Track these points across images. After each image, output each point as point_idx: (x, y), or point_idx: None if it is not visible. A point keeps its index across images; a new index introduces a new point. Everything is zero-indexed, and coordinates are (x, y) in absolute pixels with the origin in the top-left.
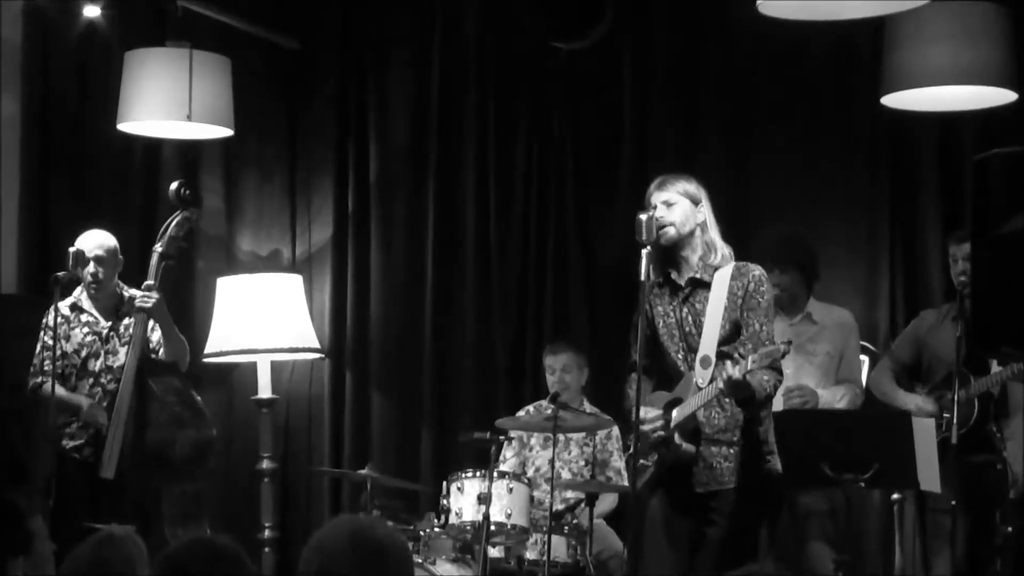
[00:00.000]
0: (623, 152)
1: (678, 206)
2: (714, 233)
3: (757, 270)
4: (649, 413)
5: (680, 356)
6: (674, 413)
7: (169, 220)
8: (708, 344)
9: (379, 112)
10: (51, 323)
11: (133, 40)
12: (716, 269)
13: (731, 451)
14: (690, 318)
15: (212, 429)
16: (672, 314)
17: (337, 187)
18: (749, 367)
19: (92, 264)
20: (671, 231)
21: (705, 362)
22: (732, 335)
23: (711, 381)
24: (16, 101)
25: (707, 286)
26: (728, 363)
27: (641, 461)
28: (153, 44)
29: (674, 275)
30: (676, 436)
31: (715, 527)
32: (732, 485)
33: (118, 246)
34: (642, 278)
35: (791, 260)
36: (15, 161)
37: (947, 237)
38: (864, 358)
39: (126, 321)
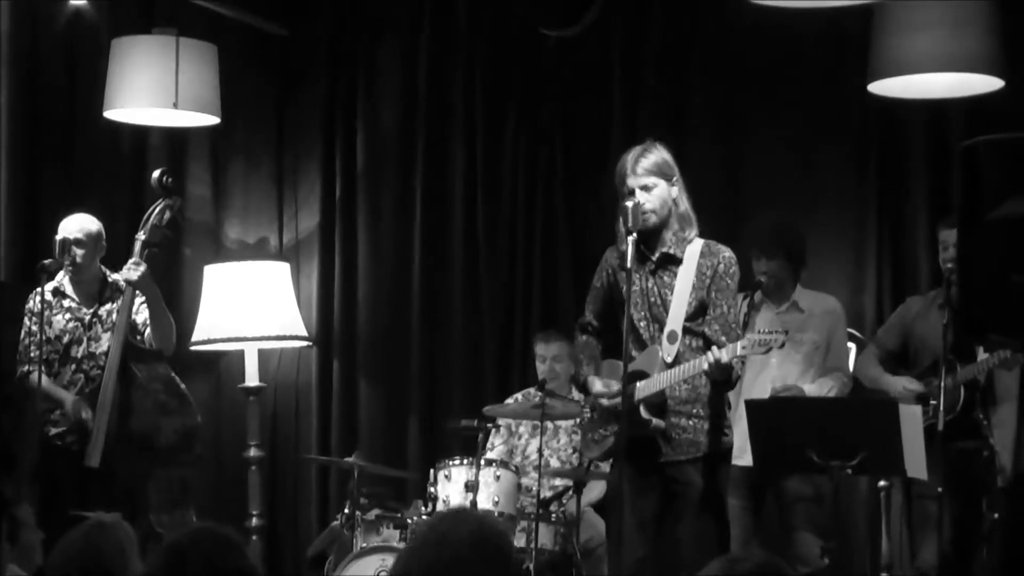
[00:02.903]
0: (612, 140)
1: (656, 190)
2: (685, 204)
3: (727, 252)
4: (611, 386)
5: (643, 324)
6: (639, 386)
7: (151, 208)
8: (675, 320)
9: (367, 99)
10: (33, 308)
11: (120, 27)
12: (689, 243)
13: (691, 423)
14: (656, 289)
15: (197, 416)
16: (638, 283)
17: (324, 175)
18: (739, 352)
19: (72, 247)
20: (652, 218)
21: (672, 337)
22: (697, 312)
23: (676, 357)
24: (3, 89)
25: (676, 261)
26: (714, 346)
27: (600, 431)
28: (140, 31)
29: (643, 247)
30: (641, 409)
31: (682, 498)
32: (695, 455)
33: (102, 231)
34: (628, 265)
35: (778, 247)
36: (3, 149)
37: (937, 223)
38: (851, 345)
39: (108, 306)
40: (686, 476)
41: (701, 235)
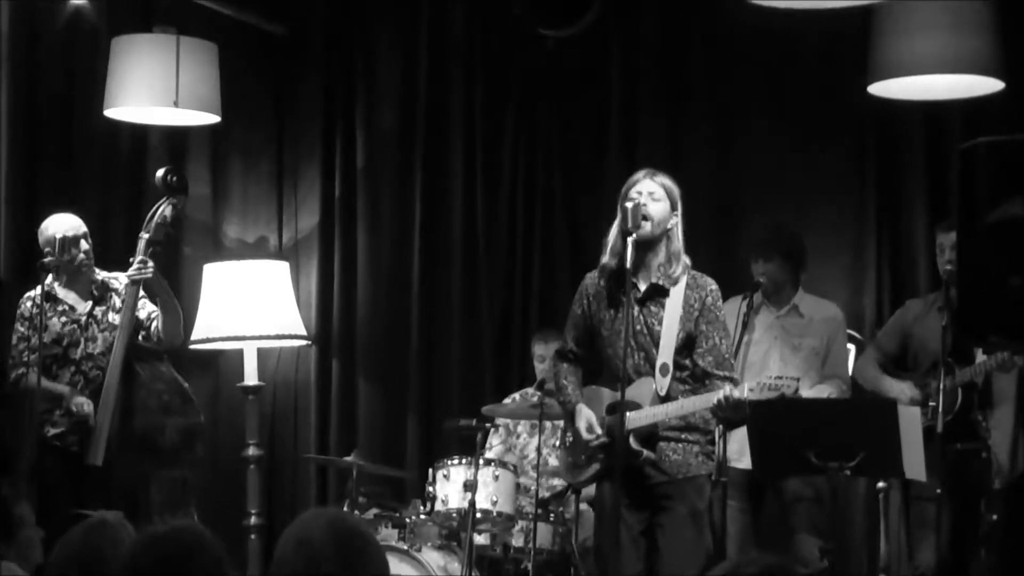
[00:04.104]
0: (610, 141)
1: (661, 204)
2: (679, 243)
3: (713, 284)
4: (595, 428)
5: (628, 351)
6: (630, 416)
7: (156, 206)
8: (666, 352)
9: (366, 99)
10: (25, 313)
11: (120, 26)
12: (675, 281)
13: (680, 446)
14: (642, 319)
15: (200, 415)
16: (624, 309)
17: (324, 174)
18: (746, 394)
19: (83, 242)
20: (648, 226)
21: (664, 370)
22: (684, 345)
23: (668, 390)
24: (3, 87)
25: (664, 292)
26: (728, 385)
27: (583, 455)
28: (140, 30)
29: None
30: (631, 440)
31: (667, 512)
32: (684, 475)
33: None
34: (628, 266)
35: (773, 249)
36: (2, 147)
37: (934, 226)
38: (850, 347)
39: (102, 306)
40: (672, 493)
41: (698, 240)
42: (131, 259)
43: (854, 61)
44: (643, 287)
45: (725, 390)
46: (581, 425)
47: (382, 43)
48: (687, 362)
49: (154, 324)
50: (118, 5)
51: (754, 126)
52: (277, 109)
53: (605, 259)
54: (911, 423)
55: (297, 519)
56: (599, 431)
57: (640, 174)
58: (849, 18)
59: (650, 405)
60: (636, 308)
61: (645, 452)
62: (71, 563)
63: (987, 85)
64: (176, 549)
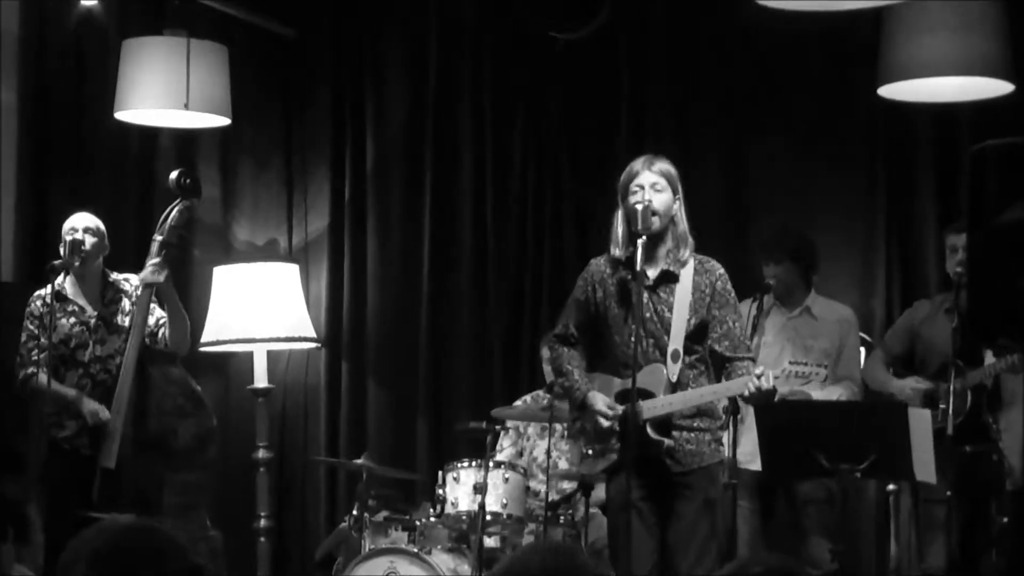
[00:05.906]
0: (619, 141)
1: (664, 194)
2: (684, 224)
3: (720, 268)
4: (615, 407)
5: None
6: (647, 405)
7: (169, 208)
8: (677, 338)
9: (376, 101)
10: (35, 311)
11: (130, 28)
12: (683, 263)
13: (693, 435)
14: (652, 305)
15: (212, 419)
16: (633, 297)
17: (333, 176)
18: (772, 382)
19: (83, 236)
20: (655, 221)
21: (675, 356)
22: (697, 331)
23: (678, 377)
24: (13, 89)
25: (674, 279)
26: (751, 367)
27: (598, 446)
28: (150, 32)
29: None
30: (649, 429)
31: (682, 500)
32: (697, 465)
33: (105, 232)
34: (637, 268)
35: (782, 251)
36: (12, 149)
37: (945, 227)
38: (861, 349)
39: (112, 308)
40: (687, 483)
41: (707, 241)
42: (146, 260)
43: (864, 63)
44: (653, 274)
45: (752, 380)
46: (600, 407)
47: (391, 45)
48: (698, 347)
49: (162, 331)
50: (128, 7)
51: (763, 128)
52: (286, 111)
53: (617, 251)
54: (922, 425)
55: (520, 550)
56: (618, 408)
57: (639, 164)
58: (859, 20)
59: (663, 392)
60: (646, 295)
61: (666, 441)
62: (77, 565)
63: (997, 87)
64: (138, 543)
